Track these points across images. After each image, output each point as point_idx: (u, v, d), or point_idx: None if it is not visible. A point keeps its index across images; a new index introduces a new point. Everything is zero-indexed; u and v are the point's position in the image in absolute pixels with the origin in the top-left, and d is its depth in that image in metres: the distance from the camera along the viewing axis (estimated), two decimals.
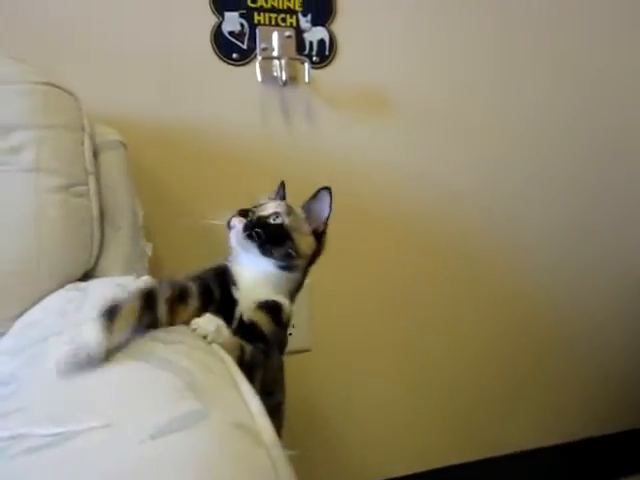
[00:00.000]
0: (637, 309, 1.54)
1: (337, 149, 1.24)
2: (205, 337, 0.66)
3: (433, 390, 1.39)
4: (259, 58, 1.15)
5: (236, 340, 0.73)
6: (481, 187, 1.36)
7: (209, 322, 0.68)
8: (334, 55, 1.21)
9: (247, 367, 0.73)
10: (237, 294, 0.80)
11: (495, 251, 1.40)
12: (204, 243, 1.14)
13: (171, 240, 1.12)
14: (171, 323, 0.68)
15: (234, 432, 0.35)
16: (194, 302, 0.74)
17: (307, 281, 1.22)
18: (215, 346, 0.64)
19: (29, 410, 0.40)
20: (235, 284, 0.81)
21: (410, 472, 1.38)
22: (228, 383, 0.48)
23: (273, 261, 0.80)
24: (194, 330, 0.66)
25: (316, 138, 1.22)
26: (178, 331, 0.62)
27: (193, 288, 0.75)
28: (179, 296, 0.73)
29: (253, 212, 0.83)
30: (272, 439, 0.36)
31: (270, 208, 0.83)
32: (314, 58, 1.20)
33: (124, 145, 0.94)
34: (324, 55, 1.21)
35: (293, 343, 1.25)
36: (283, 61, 1.15)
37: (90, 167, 0.84)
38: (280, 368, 0.86)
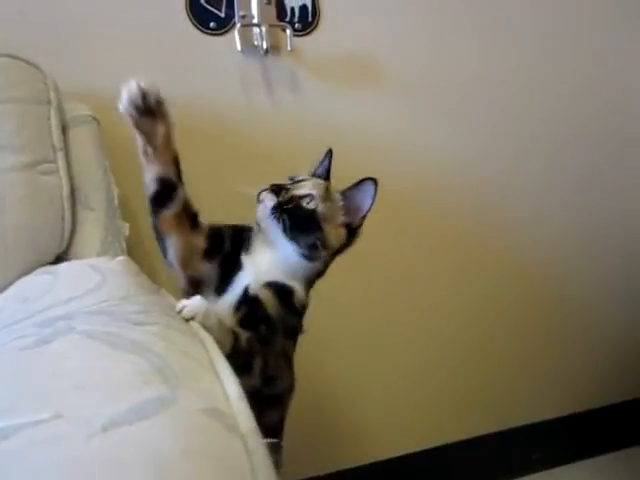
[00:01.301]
0: None
1: (322, 120, 1.18)
2: (192, 319, 0.61)
3: (440, 367, 1.36)
4: (238, 26, 1.09)
5: (228, 327, 0.68)
6: (474, 158, 1.32)
7: (198, 304, 0.63)
8: (317, 21, 1.15)
9: (243, 355, 0.68)
10: (246, 260, 0.76)
11: (496, 225, 1.36)
12: None
13: None
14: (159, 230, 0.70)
15: (203, 420, 0.31)
16: (201, 238, 0.74)
17: None
18: (195, 325, 0.59)
19: None
20: (248, 250, 0.76)
21: (419, 449, 1.35)
22: (204, 366, 0.43)
23: (296, 247, 0.74)
24: (180, 311, 0.61)
25: (300, 109, 1.16)
26: (155, 311, 0.57)
27: (205, 226, 0.75)
28: (191, 221, 0.73)
29: (287, 190, 0.75)
30: (249, 427, 0.32)
31: (306, 188, 0.76)
32: (296, 25, 1.14)
33: (96, 120, 0.88)
34: (307, 22, 1.15)
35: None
36: (264, 29, 1.09)
37: (58, 143, 0.79)
38: (284, 354, 0.78)
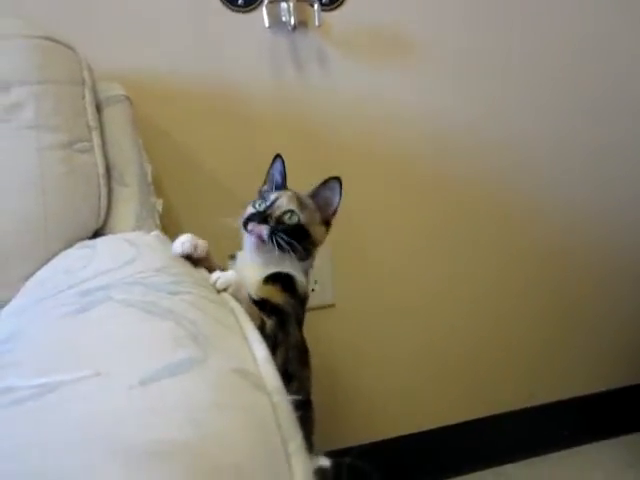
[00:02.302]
0: None
1: (351, 95, 1.18)
2: (224, 290, 0.64)
3: (459, 343, 1.35)
4: (265, 2, 1.09)
5: (256, 309, 0.72)
6: (501, 130, 1.29)
7: (232, 276, 0.66)
8: None
9: (269, 341, 0.70)
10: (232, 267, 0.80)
11: (518, 194, 1.33)
12: (218, 197, 1.12)
13: (186, 196, 1.09)
14: None
15: (232, 377, 0.32)
16: None
17: (328, 237, 1.21)
18: (226, 296, 0.61)
19: (20, 363, 0.38)
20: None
21: (435, 426, 1.35)
22: (234, 332, 0.45)
23: (293, 255, 0.80)
24: (214, 282, 0.64)
25: (328, 85, 1.16)
26: (188, 282, 0.59)
27: None
28: None
29: (270, 214, 0.81)
30: (275, 385, 0.34)
31: (283, 205, 0.82)
32: (324, 0, 1.14)
33: (129, 99, 0.91)
34: None
35: (317, 299, 1.23)
36: (291, 4, 1.09)
37: (93, 122, 0.81)
38: (301, 346, 0.83)
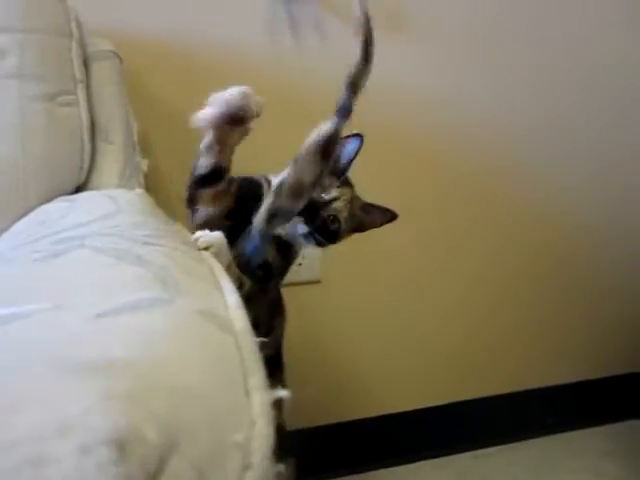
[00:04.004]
0: None
1: (349, 66, 1.15)
2: (206, 249, 0.63)
3: (448, 324, 1.34)
4: None
5: (237, 270, 0.72)
6: (503, 109, 1.27)
7: (216, 236, 0.66)
8: None
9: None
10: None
11: (515, 181, 1.32)
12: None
13: (175, 159, 1.06)
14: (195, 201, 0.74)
15: (196, 317, 0.31)
16: (230, 200, 0.77)
17: None
18: (206, 254, 0.60)
19: None
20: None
21: (417, 407, 1.35)
22: (208, 281, 0.44)
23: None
24: (196, 239, 0.64)
25: (327, 55, 1.14)
26: (166, 236, 0.57)
27: (235, 186, 0.79)
28: (227, 192, 0.77)
29: (317, 208, 0.79)
30: (243, 327, 0.32)
31: (336, 211, 0.81)
32: None
33: (118, 56, 0.88)
34: None
35: (303, 274, 1.21)
36: None
37: (79, 75, 0.79)
38: (276, 301, 0.85)
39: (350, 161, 0.86)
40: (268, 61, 1.11)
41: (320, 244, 0.80)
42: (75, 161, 0.77)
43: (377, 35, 1.11)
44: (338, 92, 1.14)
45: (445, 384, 1.37)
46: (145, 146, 0.88)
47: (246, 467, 0.20)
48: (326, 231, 0.80)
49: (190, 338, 0.27)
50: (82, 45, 0.82)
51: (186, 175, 1.04)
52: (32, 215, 0.69)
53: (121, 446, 0.16)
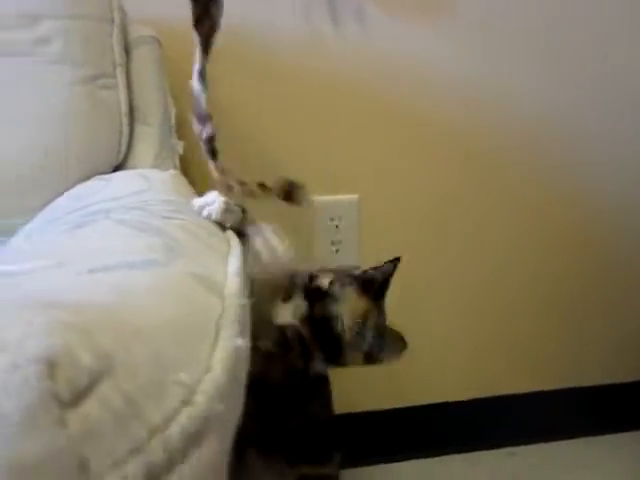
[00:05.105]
0: None
1: (389, 53, 1.14)
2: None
3: (490, 311, 1.31)
4: None
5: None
6: (557, 103, 1.23)
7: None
8: None
9: None
10: None
11: (545, 170, 1.27)
12: (241, 146, 1.12)
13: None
14: None
15: (186, 278, 0.32)
16: None
17: (355, 197, 1.19)
18: (230, 233, 0.61)
19: (3, 260, 0.39)
20: None
21: (456, 399, 1.33)
22: (217, 253, 0.45)
23: None
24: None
25: (367, 42, 1.13)
26: (189, 212, 0.59)
27: None
28: None
29: (324, 298, 0.70)
30: (234, 293, 0.33)
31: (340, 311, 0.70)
32: None
33: (158, 41, 0.91)
34: None
35: (341, 259, 1.22)
36: None
37: (119, 60, 0.82)
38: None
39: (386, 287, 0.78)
40: (307, 47, 1.12)
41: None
42: (113, 142, 0.80)
43: (420, 16, 1.10)
44: (376, 81, 1.15)
45: (480, 378, 1.34)
46: (182, 129, 0.90)
47: (186, 403, 0.20)
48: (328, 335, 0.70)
49: (169, 293, 0.28)
50: (124, 31, 0.85)
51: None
52: (70, 192, 0.72)
53: (51, 364, 0.17)
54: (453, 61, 1.18)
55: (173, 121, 0.88)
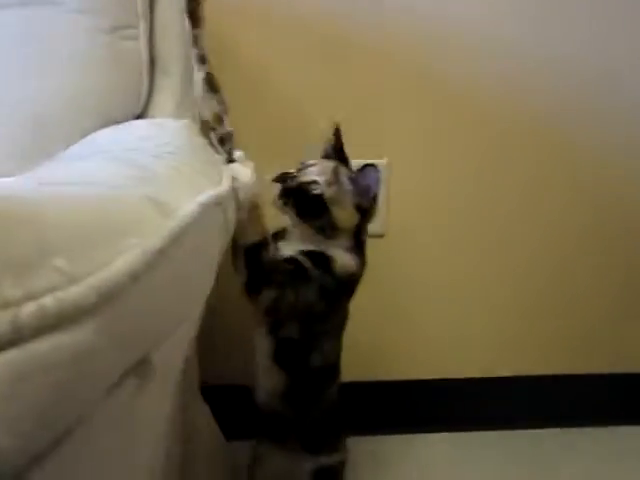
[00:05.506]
0: None
1: (435, 22, 1.10)
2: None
3: (520, 285, 1.25)
4: None
5: (265, 229, 0.77)
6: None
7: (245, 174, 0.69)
8: None
9: (266, 267, 0.76)
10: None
11: (599, 143, 1.19)
12: (265, 104, 1.11)
13: (233, 97, 1.09)
14: None
15: (135, 198, 0.32)
16: None
17: (384, 161, 1.16)
18: (225, 179, 0.61)
19: None
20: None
21: (482, 375, 1.29)
22: (192, 190, 0.44)
23: (309, 228, 0.79)
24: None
25: (410, 10, 1.09)
26: (186, 154, 0.58)
27: None
28: None
29: (294, 177, 0.80)
30: (184, 216, 0.33)
31: (312, 174, 0.80)
32: None
33: None
34: None
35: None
36: None
37: (142, 10, 0.82)
38: (317, 314, 0.81)
39: (375, 195, 0.82)
40: (340, 9, 1.09)
41: (307, 215, 0.79)
42: (133, 92, 0.81)
43: None
44: (409, 41, 1.11)
45: (511, 355, 1.30)
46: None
47: (56, 288, 0.20)
48: (310, 201, 0.78)
49: (96, 204, 0.28)
50: None
51: (246, 111, 1.06)
52: (86, 138, 0.74)
53: None
54: (492, 26, 1.13)
55: None
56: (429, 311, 1.26)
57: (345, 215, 0.80)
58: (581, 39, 1.14)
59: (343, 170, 0.82)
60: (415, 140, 1.17)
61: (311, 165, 0.81)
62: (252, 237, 0.75)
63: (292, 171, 0.81)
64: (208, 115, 0.70)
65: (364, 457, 1.13)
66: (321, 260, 0.79)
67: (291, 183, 0.79)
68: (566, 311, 1.27)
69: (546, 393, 1.30)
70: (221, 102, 0.70)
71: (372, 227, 1.18)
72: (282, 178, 0.80)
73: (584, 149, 1.20)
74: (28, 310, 0.19)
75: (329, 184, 0.78)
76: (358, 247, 0.84)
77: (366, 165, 0.81)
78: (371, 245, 1.18)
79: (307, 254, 0.79)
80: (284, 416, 0.84)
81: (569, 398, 1.31)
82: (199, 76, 0.70)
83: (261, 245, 0.76)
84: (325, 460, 0.87)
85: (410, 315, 1.26)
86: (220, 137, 0.75)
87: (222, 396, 1.04)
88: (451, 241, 1.23)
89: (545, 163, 1.20)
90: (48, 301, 0.19)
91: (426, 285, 1.24)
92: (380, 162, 1.16)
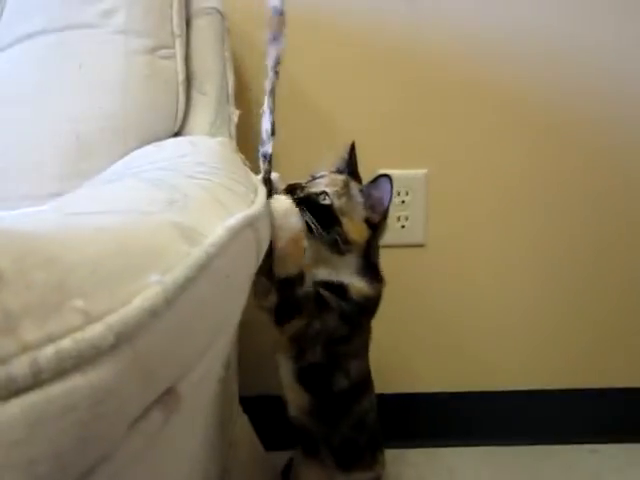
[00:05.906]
0: None
1: (477, 32, 1.08)
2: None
3: (561, 299, 1.21)
4: None
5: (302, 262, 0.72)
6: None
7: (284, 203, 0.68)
8: None
9: (298, 297, 0.73)
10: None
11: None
12: (309, 116, 1.11)
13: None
14: None
15: (162, 225, 0.32)
16: None
17: (423, 171, 1.14)
18: (259, 201, 0.60)
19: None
20: None
21: (523, 388, 1.25)
22: (222, 213, 0.44)
23: (320, 243, 0.76)
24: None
25: (440, 17, 1.08)
26: (223, 175, 0.59)
27: None
28: None
29: (303, 188, 0.79)
30: (210, 242, 0.32)
31: (321, 185, 0.78)
32: None
33: (220, 13, 0.92)
34: None
35: (406, 236, 1.18)
36: None
37: (178, 30, 0.84)
38: (337, 338, 0.79)
39: (386, 209, 0.80)
40: (378, 18, 1.09)
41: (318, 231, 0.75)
42: (170, 110, 0.82)
43: None
44: (449, 51, 1.09)
45: (551, 368, 1.25)
46: (239, 98, 0.91)
47: (76, 328, 0.20)
48: (319, 212, 0.75)
49: (128, 240, 0.28)
50: (185, 2, 0.87)
51: (282, 126, 1.07)
52: (125, 158, 0.76)
53: None
54: (537, 31, 1.10)
55: (231, 91, 0.89)
56: (469, 320, 1.23)
57: (356, 228, 0.78)
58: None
59: (353, 183, 0.81)
60: (455, 150, 1.15)
61: (321, 177, 0.81)
62: (290, 270, 0.71)
63: (301, 182, 0.80)
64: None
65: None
66: (338, 290, 0.78)
67: (300, 194, 0.77)
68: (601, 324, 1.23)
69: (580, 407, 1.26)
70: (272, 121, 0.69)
71: (412, 237, 1.18)
72: (291, 189, 0.78)
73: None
74: (47, 353, 0.19)
75: (339, 195, 0.77)
76: (370, 268, 0.81)
77: (380, 176, 0.79)
78: (411, 255, 1.18)
79: (324, 285, 0.77)
80: (314, 431, 0.83)
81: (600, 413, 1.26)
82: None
83: (296, 279, 0.73)
84: (358, 477, 0.86)
85: (449, 324, 1.23)
86: (263, 155, 0.74)
87: (261, 406, 1.04)
88: (490, 250, 1.20)
89: (589, 172, 1.16)
90: (66, 343, 0.19)
91: (466, 295, 1.22)
92: (420, 172, 1.15)
